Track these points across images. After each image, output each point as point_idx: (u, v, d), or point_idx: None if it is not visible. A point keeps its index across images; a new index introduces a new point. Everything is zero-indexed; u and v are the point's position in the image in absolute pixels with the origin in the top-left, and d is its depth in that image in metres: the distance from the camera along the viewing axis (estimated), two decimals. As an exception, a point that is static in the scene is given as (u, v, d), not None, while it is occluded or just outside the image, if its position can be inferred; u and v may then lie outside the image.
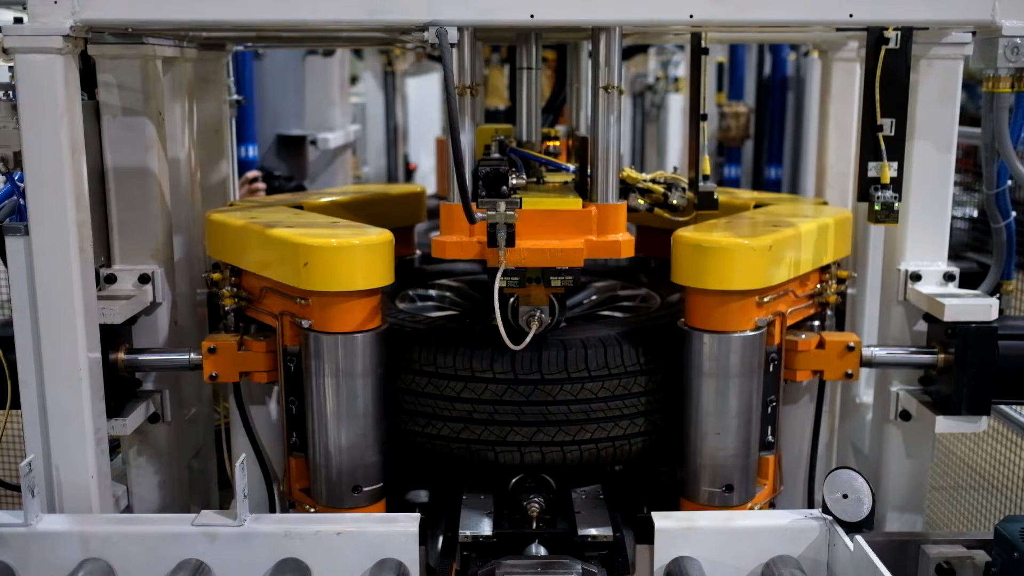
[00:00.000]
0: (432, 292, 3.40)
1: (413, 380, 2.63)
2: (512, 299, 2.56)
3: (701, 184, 2.98)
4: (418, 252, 3.77)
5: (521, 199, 2.40)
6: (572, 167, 2.85)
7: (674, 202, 2.96)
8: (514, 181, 2.57)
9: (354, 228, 2.64)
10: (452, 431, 2.63)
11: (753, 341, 2.54)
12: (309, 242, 2.46)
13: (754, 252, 2.48)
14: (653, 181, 2.99)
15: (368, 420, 2.54)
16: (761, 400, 2.62)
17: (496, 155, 2.79)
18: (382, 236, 2.51)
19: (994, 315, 2.65)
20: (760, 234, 2.58)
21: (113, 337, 2.63)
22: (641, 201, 2.95)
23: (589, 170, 2.56)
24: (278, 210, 3.01)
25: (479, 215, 2.30)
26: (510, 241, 2.32)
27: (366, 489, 2.56)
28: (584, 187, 2.64)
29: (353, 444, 2.54)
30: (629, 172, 2.96)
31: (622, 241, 2.49)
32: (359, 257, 2.47)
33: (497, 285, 2.39)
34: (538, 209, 2.46)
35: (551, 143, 3.22)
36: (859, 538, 2.23)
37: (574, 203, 2.49)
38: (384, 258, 2.50)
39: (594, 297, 3.45)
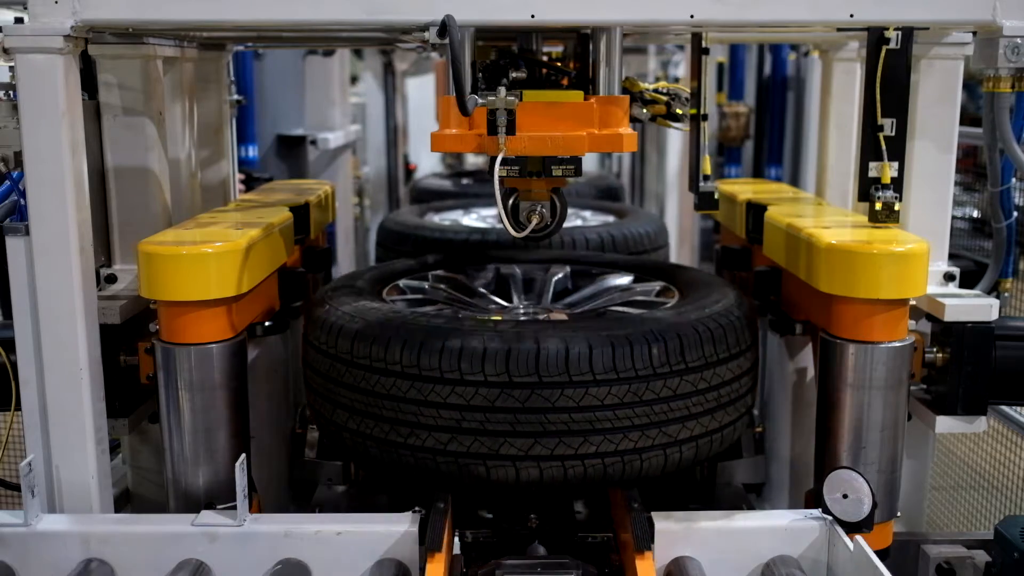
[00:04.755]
0: (424, 285, 3.17)
1: (394, 384, 2.39)
2: (513, 196, 2.52)
3: (701, 184, 2.98)
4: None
5: (522, 92, 2.33)
6: (573, 72, 2.80)
7: (677, 112, 2.88)
8: (515, 75, 2.55)
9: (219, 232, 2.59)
10: (438, 442, 2.39)
11: (903, 352, 2.51)
12: (152, 251, 2.42)
13: (903, 258, 2.43)
14: (656, 91, 2.90)
15: (216, 435, 2.50)
16: (906, 413, 2.59)
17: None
18: (230, 245, 2.47)
19: (994, 315, 2.65)
20: (901, 241, 2.50)
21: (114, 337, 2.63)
22: (644, 111, 2.87)
23: (591, 68, 2.49)
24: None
25: (479, 101, 2.21)
26: (510, 129, 2.23)
27: (220, 507, 2.39)
28: (585, 87, 2.56)
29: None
30: (632, 80, 2.90)
31: (624, 135, 2.41)
32: (197, 266, 2.42)
33: (497, 175, 2.28)
34: (539, 101, 2.37)
35: (555, 61, 3.18)
36: (859, 538, 2.23)
37: (575, 95, 2.42)
38: (233, 266, 2.46)
39: (604, 291, 3.23)
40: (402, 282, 3.10)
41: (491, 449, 2.35)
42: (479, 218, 4.83)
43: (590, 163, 9.96)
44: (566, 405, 2.32)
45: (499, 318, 2.87)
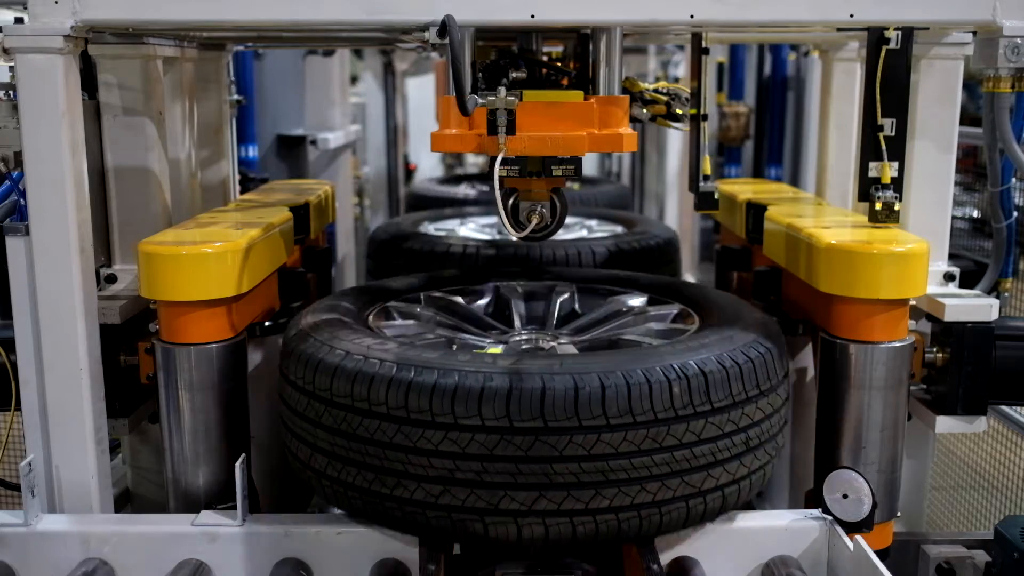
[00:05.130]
0: (416, 307, 2.86)
1: (378, 427, 2.12)
2: (513, 197, 2.50)
3: (701, 184, 2.98)
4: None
5: (522, 92, 2.32)
6: (573, 72, 2.79)
7: (677, 112, 2.87)
8: (515, 75, 2.54)
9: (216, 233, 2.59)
10: (428, 495, 2.12)
11: (903, 352, 2.51)
12: (152, 251, 2.42)
13: (903, 258, 2.43)
14: (656, 91, 2.89)
15: (216, 435, 2.49)
16: (906, 413, 2.59)
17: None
18: (230, 244, 2.46)
19: (994, 315, 2.65)
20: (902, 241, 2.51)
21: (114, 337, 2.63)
22: (644, 111, 2.86)
23: (591, 68, 2.49)
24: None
25: (479, 101, 2.20)
26: (510, 129, 2.21)
27: (220, 507, 2.41)
28: (585, 87, 2.55)
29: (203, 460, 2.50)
30: (632, 80, 2.90)
31: (624, 135, 2.40)
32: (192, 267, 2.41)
33: (497, 175, 2.24)
34: (539, 101, 2.35)
35: (555, 61, 3.18)
36: (859, 538, 2.23)
37: (575, 95, 2.41)
38: (233, 266, 2.45)
39: (614, 315, 2.89)
40: (391, 304, 2.82)
41: (489, 503, 2.09)
42: (477, 228, 4.57)
43: (590, 164, 9.97)
44: (575, 453, 2.06)
45: (498, 351, 2.55)
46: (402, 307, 2.82)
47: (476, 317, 2.89)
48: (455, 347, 2.56)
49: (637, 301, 2.93)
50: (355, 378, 2.15)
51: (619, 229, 4.21)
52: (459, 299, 2.95)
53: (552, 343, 2.71)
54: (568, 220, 4.13)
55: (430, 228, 4.31)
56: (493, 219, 4.59)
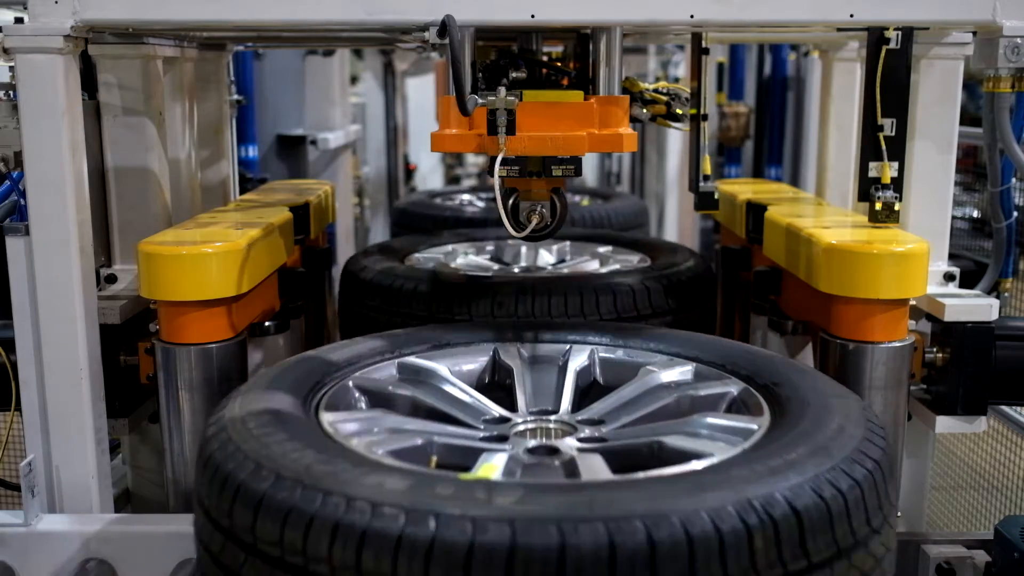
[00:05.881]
0: (387, 384, 2.18)
1: None
2: (513, 197, 2.50)
3: (701, 184, 2.98)
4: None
5: (522, 92, 2.32)
6: (573, 72, 2.80)
7: (677, 112, 2.87)
8: (515, 75, 2.54)
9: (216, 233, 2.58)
10: None
11: (903, 352, 2.50)
12: (152, 251, 2.42)
13: (903, 258, 2.44)
14: (656, 91, 2.90)
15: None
16: (906, 413, 2.58)
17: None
18: (230, 244, 2.46)
19: (994, 315, 2.65)
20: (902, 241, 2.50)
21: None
22: (644, 111, 2.87)
23: (591, 68, 2.49)
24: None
25: (479, 101, 2.21)
26: (510, 129, 2.23)
27: None
28: (585, 87, 2.55)
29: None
30: (632, 80, 2.91)
31: (624, 135, 2.40)
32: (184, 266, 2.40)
33: (497, 175, 2.26)
34: (539, 101, 2.35)
35: (555, 61, 3.17)
36: (859, 538, 2.23)
37: (575, 95, 2.41)
38: (233, 266, 2.45)
39: (649, 397, 2.15)
40: (353, 378, 2.16)
41: None
42: (475, 252, 3.83)
43: (590, 166, 9.98)
44: None
45: (494, 469, 1.80)
46: (367, 384, 2.17)
47: (467, 397, 2.20)
48: (434, 456, 1.90)
49: (678, 374, 2.23)
50: (286, 518, 1.50)
51: (638, 259, 3.45)
52: (445, 368, 2.28)
53: (569, 441, 1.96)
54: (575, 246, 3.83)
55: (417, 256, 3.56)
56: (490, 244, 3.90)
